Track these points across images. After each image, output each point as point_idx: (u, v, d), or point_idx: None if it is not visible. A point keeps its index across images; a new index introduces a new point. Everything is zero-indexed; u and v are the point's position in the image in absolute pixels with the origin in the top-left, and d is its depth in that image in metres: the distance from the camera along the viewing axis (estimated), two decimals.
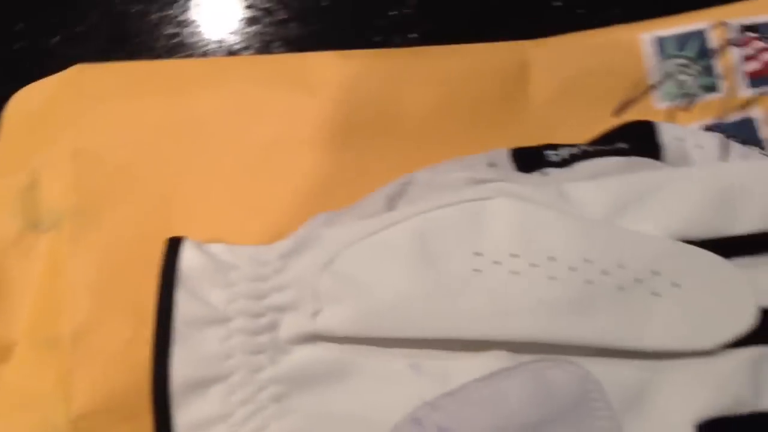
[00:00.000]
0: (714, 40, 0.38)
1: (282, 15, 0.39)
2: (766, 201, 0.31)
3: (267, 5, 0.39)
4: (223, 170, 0.36)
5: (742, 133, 0.37)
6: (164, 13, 0.39)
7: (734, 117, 0.37)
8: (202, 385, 0.27)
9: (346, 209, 0.32)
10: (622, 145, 0.34)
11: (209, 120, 0.36)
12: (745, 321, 0.29)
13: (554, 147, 0.34)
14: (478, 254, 0.29)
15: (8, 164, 0.36)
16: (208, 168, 0.36)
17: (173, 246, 0.29)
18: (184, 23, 0.39)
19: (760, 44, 0.37)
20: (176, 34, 0.39)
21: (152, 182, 0.35)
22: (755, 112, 0.37)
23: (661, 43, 0.38)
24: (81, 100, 0.36)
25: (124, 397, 0.31)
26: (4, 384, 0.33)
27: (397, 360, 0.28)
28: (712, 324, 0.29)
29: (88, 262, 0.33)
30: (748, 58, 0.37)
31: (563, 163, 0.33)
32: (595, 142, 0.35)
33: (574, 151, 0.34)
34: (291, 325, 0.28)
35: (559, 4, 0.40)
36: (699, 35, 0.38)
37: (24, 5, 0.39)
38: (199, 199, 0.35)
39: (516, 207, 0.30)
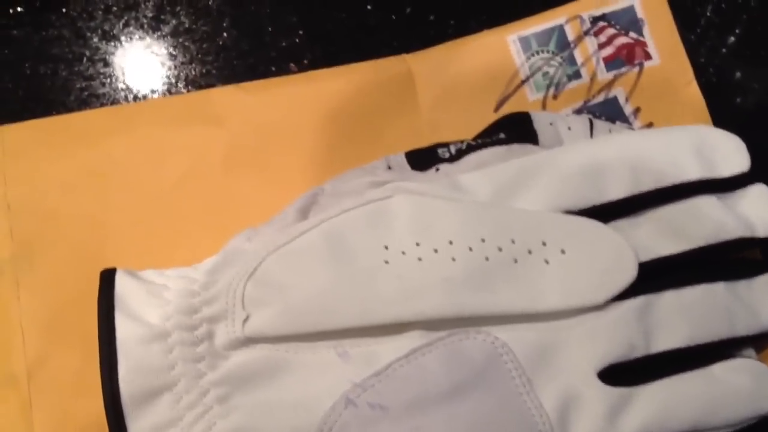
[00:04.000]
0: (571, 33, 0.41)
1: (182, 58, 0.42)
2: (630, 167, 0.34)
3: (168, 51, 0.42)
4: (144, 204, 0.38)
5: (608, 111, 0.40)
6: (73, 69, 0.41)
7: (599, 98, 0.41)
8: (150, 395, 0.30)
9: (264, 224, 0.35)
10: (503, 136, 0.37)
11: (126, 161, 0.39)
12: (627, 275, 0.32)
13: (444, 145, 0.37)
14: (385, 247, 0.32)
15: None
16: (131, 204, 0.38)
17: (107, 276, 0.31)
18: (92, 77, 0.41)
19: (611, 31, 0.41)
20: (86, 87, 0.41)
21: (80, 223, 0.38)
22: (617, 92, 0.41)
23: (526, 41, 0.41)
24: (4, 158, 0.38)
25: (82, 420, 0.34)
26: None
27: (325, 350, 0.31)
28: (599, 281, 0.32)
29: (32, 303, 0.36)
30: (602, 45, 0.41)
31: (453, 158, 0.36)
32: (479, 136, 0.38)
33: (461, 146, 0.37)
34: (224, 333, 0.31)
35: (432, 18, 0.43)
36: (558, 30, 0.41)
37: None
38: (125, 232, 0.38)
39: (413, 201, 0.33)
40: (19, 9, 0.41)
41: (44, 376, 0.35)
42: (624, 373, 0.32)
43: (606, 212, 0.34)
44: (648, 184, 0.34)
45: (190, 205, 0.38)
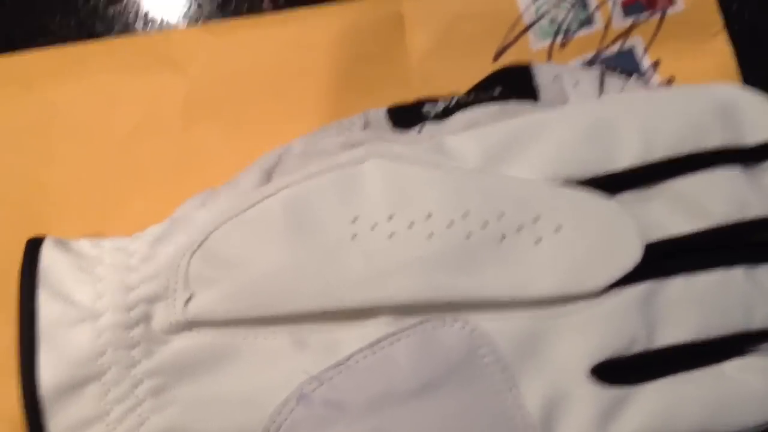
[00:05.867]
0: None
1: None
2: (644, 132, 0.30)
3: None
4: (91, 159, 0.35)
5: (623, 64, 0.37)
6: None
7: (613, 48, 0.37)
8: (74, 387, 0.26)
9: (222, 186, 0.31)
10: (498, 91, 0.33)
11: (72, 109, 0.35)
12: (630, 257, 0.29)
13: (431, 101, 0.33)
14: (353, 220, 0.29)
15: None
16: (76, 158, 0.35)
17: (33, 246, 0.28)
18: (43, 11, 0.37)
19: None
20: (35, 22, 0.37)
21: (19, 179, 0.34)
22: (634, 41, 0.37)
23: None
24: None
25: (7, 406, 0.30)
26: None
27: (279, 337, 0.28)
28: (597, 264, 0.29)
29: None
30: None
31: (439, 117, 0.33)
32: (471, 91, 0.34)
33: (450, 103, 0.33)
34: (163, 314, 0.28)
35: None
36: None
37: None
38: (68, 190, 0.35)
39: (389, 168, 0.29)
40: None
41: None
42: (621, 370, 0.28)
43: (612, 183, 0.30)
44: (661, 151, 0.30)
45: (143, 162, 0.35)
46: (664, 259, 0.29)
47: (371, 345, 0.28)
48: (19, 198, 0.34)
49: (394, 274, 0.28)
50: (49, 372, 0.26)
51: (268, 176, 0.31)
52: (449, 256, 0.28)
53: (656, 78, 0.37)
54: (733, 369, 0.29)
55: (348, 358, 0.28)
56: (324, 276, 0.28)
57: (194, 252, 0.28)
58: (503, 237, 0.29)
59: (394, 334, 0.28)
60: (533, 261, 0.29)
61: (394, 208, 0.29)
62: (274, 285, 0.28)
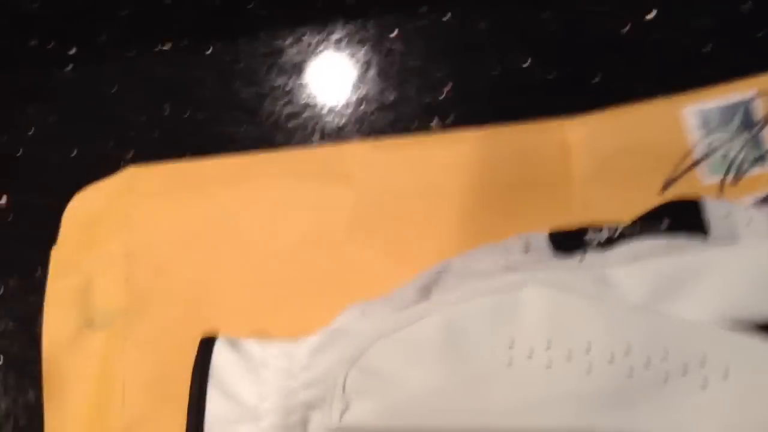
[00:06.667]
0: (759, 109, 0.36)
1: (319, 108, 0.40)
2: None
3: (306, 100, 0.40)
4: (259, 264, 0.36)
5: None
6: (211, 113, 0.40)
7: None
8: None
9: (380, 299, 0.32)
10: (666, 224, 0.32)
11: (245, 215, 0.37)
12: None
13: (595, 228, 0.33)
14: (510, 345, 0.28)
15: (65, 266, 0.37)
16: (245, 263, 0.36)
17: (207, 344, 0.30)
18: (227, 122, 0.40)
19: None
20: (222, 132, 0.40)
21: (194, 278, 0.36)
22: None
23: (704, 115, 0.36)
24: (130, 202, 0.38)
25: None
26: None
27: None
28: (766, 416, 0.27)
29: (139, 359, 0.34)
30: None
31: (603, 245, 0.32)
32: (637, 222, 0.33)
33: (614, 233, 0.32)
34: (320, 421, 0.28)
35: (597, 80, 0.39)
36: (743, 105, 0.36)
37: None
38: (236, 292, 0.36)
39: (549, 296, 0.29)
40: (164, 47, 0.41)
41: None
42: None
43: None
44: None
45: (306, 269, 0.36)
46: None
47: None
48: (188, 298, 0.36)
49: (547, 405, 0.27)
50: None
51: (425, 293, 0.32)
52: (607, 394, 0.27)
53: None
54: None
55: None
56: (475, 399, 0.27)
57: (353, 364, 0.28)
58: (667, 378, 0.27)
59: None
60: (696, 408, 0.27)
61: (552, 337, 0.28)
62: (426, 404, 0.28)
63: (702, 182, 0.36)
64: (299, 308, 0.35)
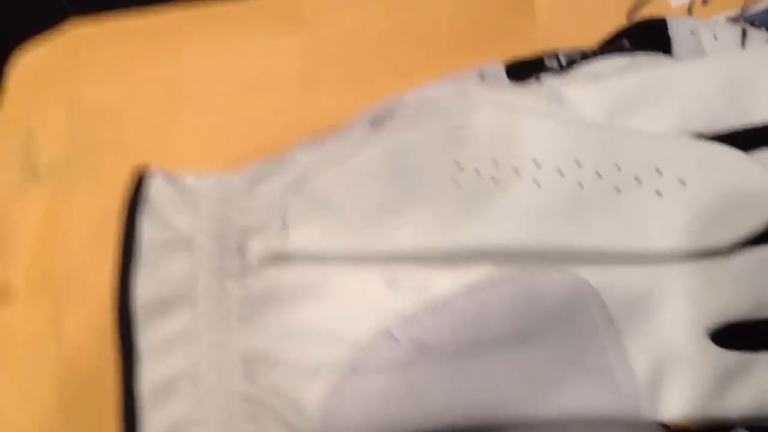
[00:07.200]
0: None
1: None
2: None
3: None
4: (211, 114, 0.36)
5: None
6: None
7: (760, 6, 0.33)
8: (166, 307, 0.27)
9: (330, 136, 0.31)
10: (627, 43, 0.31)
11: (194, 67, 0.36)
12: (763, 216, 0.26)
13: (553, 54, 0.31)
14: (457, 164, 0.27)
15: (10, 121, 0.37)
16: (195, 113, 0.36)
17: (140, 175, 0.29)
18: None
19: None
20: None
21: (142, 129, 0.36)
22: None
23: None
24: (75, 57, 0.37)
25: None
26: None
27: (371, 276, 0.27)
28: (724, 221, 0.26)
29: (83, 208, 0.34)
30: None
31: (561, 69, 0.31)
32: (600, 45, 0.32)
33: (575, 56, 0.31)
34: (259, 246, 0.27)
35: None
36: None
37: None
38: (187, 142, 0.35)
39: (499, 117, 0.28)
40: None
41: (84, 285, 0.33)
42: (745, 336, 0.26)
43: (748, 139, 0.27)
44: None
45: (261, 118, 0.35)
46: None
47: (467, 289, 0.26)
48: (137, 149, 0.36)
49: (496, 220, 0.26)
50: (143, 290, 0.27)
51: (375, 127, 0.31)
52: (557, 205, 0.26)
53: None
54: None
55: (440, 302, 0.26)
56: (423, 219, 0.27)
57: (294, 190, 0.28)
58: (619, 189, 0.27)
59: (492, 281, 0.26)
60: (651, 215, 0.26)
61: (500, 156, 0.27)
62: (372, 224, 0.27)
63: (671, 4, 0.34)
64: (254, 158, 0.34)
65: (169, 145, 0.35)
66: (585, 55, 0.31)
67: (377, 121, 0.31)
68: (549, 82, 0.30)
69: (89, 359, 0.32)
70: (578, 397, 0.26)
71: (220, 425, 0.26)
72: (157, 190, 0.28)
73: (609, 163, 0.27)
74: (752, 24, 0.33)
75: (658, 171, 0.27)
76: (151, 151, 0.35)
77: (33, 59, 0.38)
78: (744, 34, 0.30)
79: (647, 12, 0.34)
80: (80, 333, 0.32)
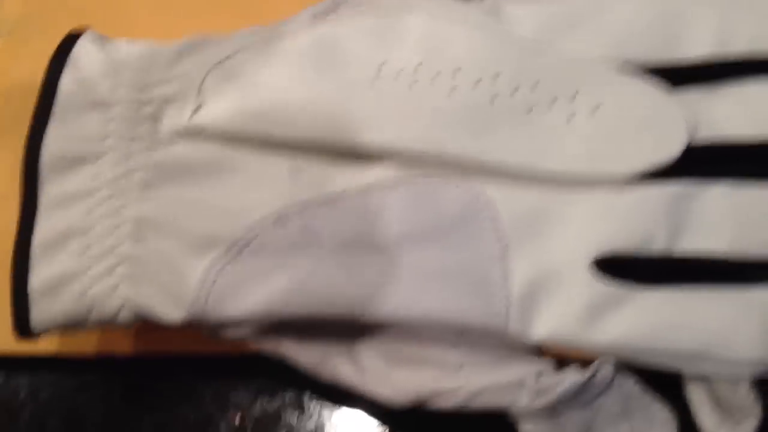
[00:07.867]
0: None
1: None
2: (720, 23, 0.27)
3: None
4: None
5: None
6: None
7: None
8: (72, 162, 0.27)
9: (272, 25, 0.31)
10: None
11: None
12: (669, 150, 0.26)
13: None
14: (380, 63, 0.27)
15: None
16: None
17: (72, 36, 0.29)
18: None
19: None
20: None
21: None
22: None
23: None
24: None
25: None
26: None
27: (277, 161, 0.27)
28: (630, 150, 0.26)
29: (32, 65, 0.33)
30: None
31: None
32: None
33: None
34: (172, 117, 0.27)
35: None
36: None
37: None
38: (146, 11, 0.36)
39: (431, 22, 0.28)
40: None
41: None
42: (630, 268, 0.26)
43: (676, 75, 0.27)
44: (739, 45, 0.27)
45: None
46: (710, 162, 0.26)
47: (366, 187, 0.27)
48: (103, 12, 0.36)
49: (407, 120, 0.27)
50: (53, 142, 0.27)
51: (318, 19, 0.31)
52: (467, 115, 0.26)
53: None
54: (763, 295, 0.25)
55: (338, 194, 0.26)
56: (336, 109, 0.27)
57: (214, 66, 0.28)
58: (532, 108, 0.27)
59: (392, 181, 0.26)
60: (559, 136, 0.26)
61: (423, 60, 0.27)
62: (286, 108, 0.27)
63: None
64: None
65: (126, 12, 0.36)
66: None
67: (320, 14, 0.31)
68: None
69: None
70: (455, 304, 0.26)
71: (100, 281, 0.27)
72: (85, 50, 0.28)
73: (527, 81, 0.27)
74: None
75: (575, 94, 0.27)
76: (108, 16, 0.36)
77: None
78: None
79: None
80: None
